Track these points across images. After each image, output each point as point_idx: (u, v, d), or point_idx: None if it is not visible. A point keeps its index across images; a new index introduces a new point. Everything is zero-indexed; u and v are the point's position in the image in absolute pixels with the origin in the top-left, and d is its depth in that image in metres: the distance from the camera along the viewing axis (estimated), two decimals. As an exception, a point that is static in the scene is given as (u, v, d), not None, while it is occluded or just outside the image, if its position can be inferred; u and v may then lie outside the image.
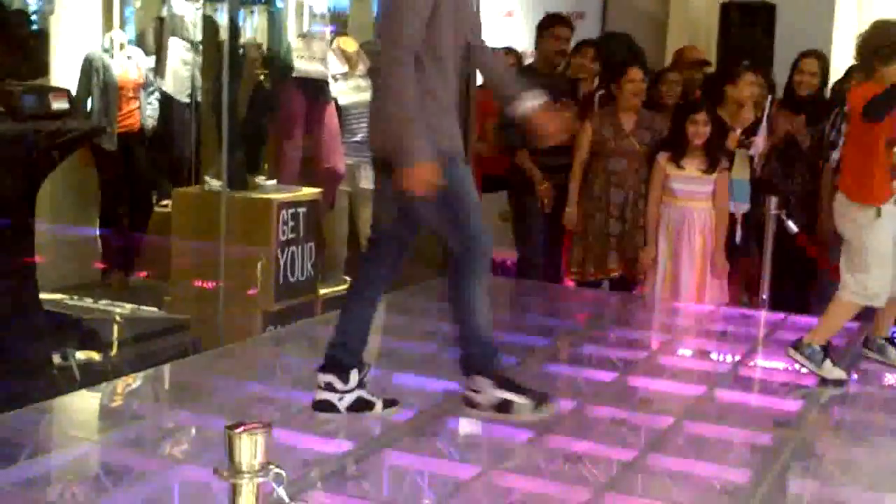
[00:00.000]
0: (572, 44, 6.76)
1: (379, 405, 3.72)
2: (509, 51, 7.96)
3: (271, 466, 2.30)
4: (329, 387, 3.68)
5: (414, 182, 3.42)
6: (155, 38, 7.45)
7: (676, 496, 3.32)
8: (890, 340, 4.71)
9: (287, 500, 2.34)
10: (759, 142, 6.05)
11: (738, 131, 6.15)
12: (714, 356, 4.97)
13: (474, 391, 3.66)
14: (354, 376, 3.69)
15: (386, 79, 3.47)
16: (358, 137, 6.92)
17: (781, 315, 5.63)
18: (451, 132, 3.62)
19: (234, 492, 2.31)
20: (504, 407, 3.62)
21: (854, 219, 4.46)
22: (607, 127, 6.16)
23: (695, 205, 5.95)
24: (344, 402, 3.68)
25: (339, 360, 3.69)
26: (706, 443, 3.78)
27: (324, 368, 3.71)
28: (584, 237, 6.27)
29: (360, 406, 3.70)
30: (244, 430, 2.31)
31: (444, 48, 3.53)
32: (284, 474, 2.29)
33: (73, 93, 6.18)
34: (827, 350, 4.47)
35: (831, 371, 4.45)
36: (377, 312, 3.87)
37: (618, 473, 3.40)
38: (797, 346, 4.51)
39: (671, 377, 4.55)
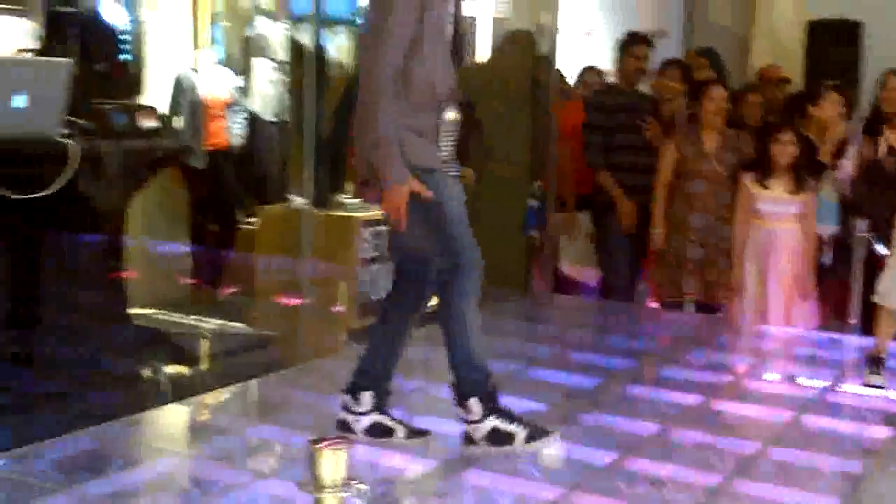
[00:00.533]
0: (656, 63, 6.73)
1: (401, 432, 3.64)
2: (592, 69, 7.96)
3: (354, 482, 2.32)
4: (345, 408, 3.67)
5: (389, 205, 3.42)
6: (242, 57, 7.58)
7: (763, 523, 3.27)
8: None
9: (370, 515, 2.36)
10: (847, 164, 5.93)
11: (832, 145, 6.04)
12: (802, 381, 4.88)
13: (472, 423, 3.55)
14: (368, 399, 3.63)
15: (369, 104, 3.41)
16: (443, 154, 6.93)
17: (871, 339, 5.50)
18: (425, 146, 3.51)
19: (317, 506, 2.33)
20: (500, 439, 3.54)
21: None
22: (689, 147, 6.09)
23: (781, 226, 5.85)
24: (361, 425, 3.63)
25: (356, 383, 3.67)
26: (793, 469, 3.71)
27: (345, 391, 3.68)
28: (663, 259, 6.20)
29: (380, 431, 3.63)
30: (327, 446, 2.34)
31: (427, 73, 3.44)
32: (367, 490, 2.31)
33: (163, 111, 6.32)
34: (871, 358, 4.66)
35: (869, 377, 4.66)
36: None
37: (703, 499, 3.36)
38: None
39: (757, 402, 4.48)
